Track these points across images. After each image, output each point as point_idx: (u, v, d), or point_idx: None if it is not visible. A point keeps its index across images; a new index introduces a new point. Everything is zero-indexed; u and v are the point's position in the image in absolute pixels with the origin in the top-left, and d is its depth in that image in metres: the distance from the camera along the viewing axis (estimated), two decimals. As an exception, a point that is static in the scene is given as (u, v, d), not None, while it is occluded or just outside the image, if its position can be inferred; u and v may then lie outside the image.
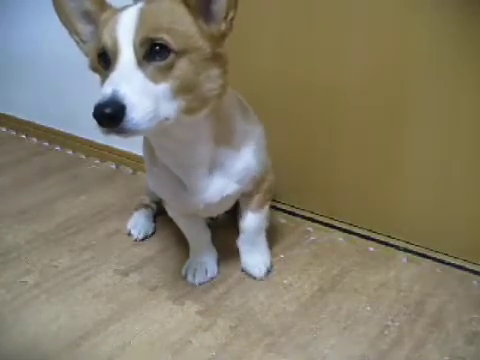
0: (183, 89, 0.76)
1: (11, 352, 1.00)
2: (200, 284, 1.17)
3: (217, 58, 0.81)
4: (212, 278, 1.19)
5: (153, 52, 0.74)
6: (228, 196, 1.02)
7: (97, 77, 0.85)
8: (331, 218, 1.42)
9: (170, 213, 1.17)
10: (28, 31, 1.86)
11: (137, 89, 0.71)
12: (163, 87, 0.74)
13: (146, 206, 1.43)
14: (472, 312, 1.07)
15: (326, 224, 1.41)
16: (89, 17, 0.85)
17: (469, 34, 1.05)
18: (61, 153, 1.92)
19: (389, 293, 1.13)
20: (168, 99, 0.75)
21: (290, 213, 1.46)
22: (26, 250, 1.32)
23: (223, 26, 0.80)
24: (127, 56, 0.73)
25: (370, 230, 1.36)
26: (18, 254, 1.30)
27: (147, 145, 1.02)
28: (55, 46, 1.67)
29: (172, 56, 0.74)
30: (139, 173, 1.75)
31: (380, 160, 1.27)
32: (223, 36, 0.82)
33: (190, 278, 1.18)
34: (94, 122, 0.70)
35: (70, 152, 1.92)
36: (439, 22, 1.07)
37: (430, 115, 1.16)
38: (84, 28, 0.86)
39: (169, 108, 0.75)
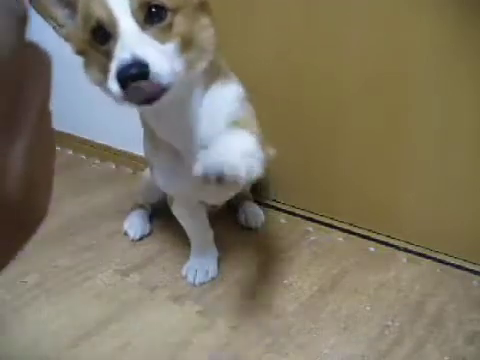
0: (185, 44, 0.77)
1: (11, 352, 1.00)
2: (200, 284, 1.17)
3: (203, 7, 0.82)
4: (213, 278, 1.19)
5: (151, 15, 0.74)
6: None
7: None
8: (331, 218, 1.42)
9: (176, 212, 1.15)
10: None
11: (152, 48, 0.71)
12: (169, 46, 0.75)
13: (141, 206, 1.43)
14: (472, 312, 1.07)
15: (326, 224, 1.41)
16: (64, 0, 0.83)
17: (469, 33, 1.05)
18: (61, 153, 1.92)
19: (389, 293, 1.13)
20: (175, 56, 0.75)
21: (290, 213, 1.46)
22: (26, 250, 1.31)
23: None
24: (128, 23, 0.73)
25: (370, 230, 1.36)
26: (18, 254, 1.30)
27: (147, 134, 1.00)
28: (52, 45, 1.67)
29: (170, 15, 0.75)
30: (139, 173, 1.74)
31: (380, 160, 1.27)
32: None
33: (190, 278, 1.18)
34: (117, 91, 0.70)
35: (70, 152, 1.92)
36: (440, 19, 1.07)
37: (430, 115, 1.16)
38: (60, 12, 0.83)
39: (178, 64, 0.75)
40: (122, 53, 0.70)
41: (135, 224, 1.38)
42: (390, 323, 1.04)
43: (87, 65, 0.82)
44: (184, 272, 1.20)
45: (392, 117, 1.21)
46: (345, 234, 1.37)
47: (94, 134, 1.85)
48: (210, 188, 0.81)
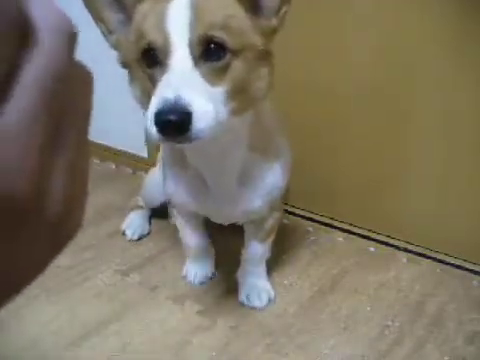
0: (237, 91, 0.70)
1: (11, 352, 1.00)
2: (200, 284, 1.17)
3: (267, 55, 0.74)
4: (212, 278, 1.20)
5: (209, 51, 0.67)
6: (250, 211, 0.97)
7: (123, 72, 0.78)
8: (331, 218, 1.42)
9: (178, 221, 1.13)
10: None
11: (200, 94, 0.64)
12: (220, 90, 0.67)
13: (141, 207, 1.42)
14: (472, 312, 1.07)
15: (326, 224, 1.41)
16: (119, 4, 0.75)
17: (472, 35, 1.05)
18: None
19: (389, 293, 1.13)
20: (222, 102, 0.68)
21: (290, 213, 1.46)
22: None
23: (274, 21, 0.73)
24: (182, 55, 0.66)
25: (370, 230, 1.36)
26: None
27: (173, 151, 0.95)
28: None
29: (229, 56, 0.68)
30: (139, 173, 1.75)
31: (380, 160, 1.27)
32: (274, 32, 0.74)
33: (190, 278, 1.18)
34: (152, 129, 0.63)
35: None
36: (442, 21, 1.07)
37: (431, 115, 1.16)
38: (112, 16, 0.75)
39: (224, 112, 0.68)
40: (166, 91, 0.63)
41: (134, 224, 1.38)
42: (390, 323, 1.04)
43: (131, 81, 0.77)
44: (184, 272, 1.21)
45: (392, 117, 1.21)
46: (345, 234, 1.37)
47: (94, 134, 1.83)
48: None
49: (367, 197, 1.33)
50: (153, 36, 0.67)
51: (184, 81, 0.65)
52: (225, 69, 0.68)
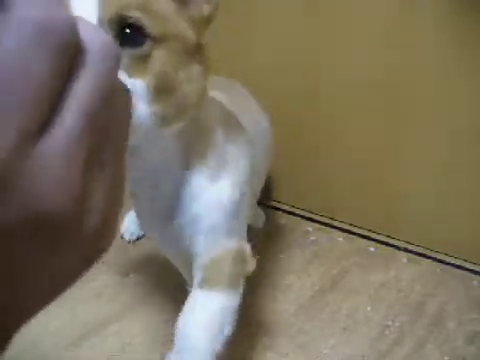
0: (162, 89, 0.57)
1: (11, 352, 1.00)
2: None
3: (198, 51, 0.63)
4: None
5: (124, 36, 0.55)
6: (186, 249, 0.76)
7: None
8: (331, 218, 1.42)
9: None
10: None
11: None
12: (138, 83, 0.55)
13: None
14: (472, 312, 1.07)
15: (326, 224, 1.41)
16: None
17: (472, 37, 1.05)
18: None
19: (389, 293, 1.13)
20: (143, 101, 0.56)
21: (290, 213, 1.46)
22: (26, 250, 1.32)
23: (206, 9, 0.62)
24: None
25: (370, 230, 1.36)
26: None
27: None
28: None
29: (149, 43, 0.56)
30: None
31: (380, 160, 1.27)
32: (206, 22, 0.63)
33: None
34: None
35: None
36: (441, 23, 1.07)
37: (431, 115, 1.16)
38: None
39: (144, 112, 0.56)
40: None
41: (131, 226, 1.36)
42: (390, 323, 1.04)
43: None
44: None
45: (393, 117, 1.21)
46: (345, 234, 1.37)
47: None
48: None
49: (367, 197, 1.33)
50: None
51: None
52: (145, 59, 0.56)
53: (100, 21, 0.53)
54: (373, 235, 1.35)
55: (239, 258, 0.78)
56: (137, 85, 0.55)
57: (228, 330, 0.72)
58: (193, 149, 0.70)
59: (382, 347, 0.98)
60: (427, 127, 1.17)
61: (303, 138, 1.37)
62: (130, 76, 0.54)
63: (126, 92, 0.28)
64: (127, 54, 0.54)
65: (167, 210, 0.73)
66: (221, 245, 0.76)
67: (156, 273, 1.23)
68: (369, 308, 1.09)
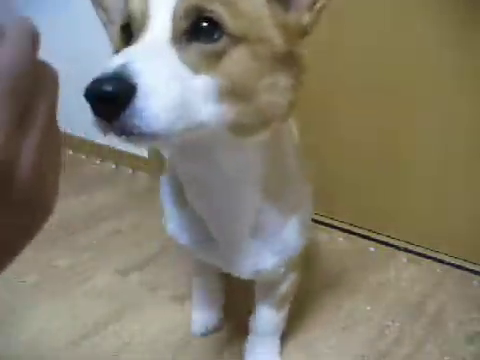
0: (234, 92, 0.51)
1: (11, 352, 1.00)
2: (202, 335, 1.03)
3: (291, 61, 0.56)
4: (216, 329, 1.05)
5: (199, 29, 0.50)
6: (262, 271, 0.77)
7: None
8: (331, 218, 1.42)
9: (193, 267, 1.01)
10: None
11: (163, 70, 0.46)
12: (204, 81, 0.49)
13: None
14: (472, 312, 1.07)
15: (326, 224, 1.41)
16: None
17: (472, 40, 1.05)
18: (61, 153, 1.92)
19: (389, 293, 1.13)
20: (209, 100, 0.50)
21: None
22: (26, 250, 1.31)
23: (306, 17, 0.56)
24: (160, 28, 0.50)
25: (370, 230, 1.36)
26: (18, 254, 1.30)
27: (172, 181, 0.77)
28: (54, 44, 1.68)
29: (226, 40, 0.50)
30: (139, 173, 1.75)
31: (380, 160, 1.27)
32: (303, 31, 0.57)
33: (193, 328, 1.05)
34: (90, 114, 0.46)
35: (70, 152, 1.92)
36: (442, 26, 1.07)
37: (430, 116, 1.16)
38: (115, 3, 0.62)
39: (208, 111, 0.50)
40: (115, 59, 0.45)
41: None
42: (390, 323, 1.04)
43: None
44: (192, 320, 1.07)
45: (392, 118, 1.21)
46: (345, 234, 1.37)
47: (94, 134, 1.84)
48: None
49: (367, 197, 1.33)
50: (132, 6, 0.53)
51: (145, 52, 0.48)
52: (219, 57, 0.50)
53: (175, 10, 0.50)
54: (373, 235, 1.35)
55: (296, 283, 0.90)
56: (204, 82, 0.49)
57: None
58: (272, 175, 0.67)
59: (382, 347, 0.98)
60: (427, 128, 1.17)
61: (303, 138, 1.37)
62: (196, 71, 0.49)
63: (51, 69, 0.33)
64: (197, 48, 0.50)
65: (245, 231, 0.72)
66: (290, 279, 0.87)
67: (156, 273, 1.23)
68: (369, 308, 1.09)
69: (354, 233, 1.37)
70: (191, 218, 0.75)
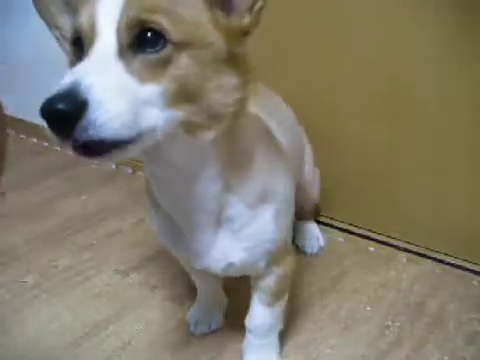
0: (182, 96, 0.55)
1: (11, 352, 1.00)
2: (201, 334, 1.03)
3: (235, 62, 0.60)
4: (215, 330, 1.05)
5: (143, 40, 0.53)
6: (233, 265, 0.78)
7: None
8: (331, 218, 1.42)
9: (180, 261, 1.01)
10: (29, 31, 1.86)
11: (111, 84, 0.50)
12: (151, 89, 0.53)
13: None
14: (472, 312, 1.07)
15: (326, 224, 1.41)
16: (73, 7, 0.64)
17: (471, 52, 1.05)
18: (61, 153, 1.92)
19: (389, 293, 1.13)
20: (157, 106, 0.54)
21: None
22: (26, 250, 1.32)
23: (246, 19, 0.59)
24: (106, 42, 0.53)
25: (370, 230, 1.36)
26: (18, 254, 1.30)
27: (148, 184, 0.80)
28: (55, 46, 1.68)
29: (169, 48, 0.53)
30: (139, 173, 1.75)
31: (380, 160, 1.27)
32: (245, 32, 0.60)
33: (192, 327, 1.04)
34: (49, 134, 0.50)
35: (70, 152, 1.92)
36: (442, 38, 1.07)
37: (429, 116, 1.16)
38: (66, 21, 0.66)
39: (157, 117, 0.54)
40: (66, 77, 0.49)
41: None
42: (390, 323, 1.04)
43: None
44: (188, 317, 1.06)
45: (392, 117, 1.21)
46: (345, 234, 1.37)
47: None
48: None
49: (367, 197, 1.33)
50: (80, 20, 0.56)
51: (93, 68, 0.51)
52: (165, 64, 0.54)
53: (119, 24, 0.53)
54: (373, 235, 1.35)
55: (288, 274, 0.89)
56: (149, 90, 0.53)
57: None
58: (233, 170, 0.70)
59: (382, 347, 0.98)
60: (427, 128, 1.17)
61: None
62: (143, 81, 0.53)
63: None
64: (143, 59, 0.53)
65: (208, 224, 0.73)
66: (275, 274, 0.85)
67: (156, 273, 1.23)
68: (369, 308, 1.09)
69: (354, 233, 1.37)
70: (163, 216, 0.78)
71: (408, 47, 1.13)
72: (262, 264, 0.81)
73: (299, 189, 1.04)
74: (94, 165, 1.82)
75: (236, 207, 0.73)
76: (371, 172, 1.30)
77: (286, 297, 0.92)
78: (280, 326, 0.95)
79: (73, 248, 1.33)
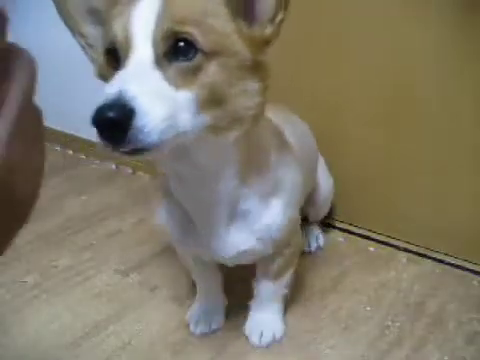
0: (210, 101, 0.60)
1: (11, 352, 1.00)
2: (202, 334, 1.03)
3: (257, 69, 0.65)
4: (215, 330, 1.05)
5: (177, 50, 0.58)
6: (245, 253, 0.84)
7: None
8: (332, 218, 1.42)
9: (181, 259, 1.05)
10: (29, 31, 1.86)
11: (152, 92, 0.55)
12: (184, 95, 0.58)
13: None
14: (472, 312, 1.07)
15: (326, 224, 1.41)
16: (97, 16, 0.69)
17: (473, 53, 1.05)
18: (61, 153, 1.92)
19: (389, 293, 1.13)
20: (189, 111, 0.59)
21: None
22: (26, 250, 1.32)
23: (268, 30, 0.65)
24: (143, 52, 0.58)
25: (370, 230, 1.36)
26: (18, 254, 1.30)
27: (163, 178, 0.86)
28: (56, 45, 1.68)
29: (200, 57, 0.59)
30: (139, 173, 1.75)
31: (380, 160, 1.27)
32: (267, 42, 0.66)
33: (192, 327, 1.04)
34: (96, 135, 0.56)
35: (70, 152, 1.92)
36: (444, 40, 1.07)
37: (429, 115, 1.16)
38: (91, 30, 0.70)
39: (189, 121, 0.59)
40: (111, 86, 0.54)
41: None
42: (390, 323, 1.04)
43: None
44: (188, 317, 1.07)
45: (393, 118, 1.21)
46: (345, 234, 1.37)
47: (94, 134, 1.85)
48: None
49: (367, 197, 1.33)
50: (115, 32, 0.60)
51: (135, 77, 0.56)
52: (195, 72, 0.59)
53: (154, 35, 0.58)
54: (373, 235, 1.35)
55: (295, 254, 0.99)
56: (183, 96, 0.58)
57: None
58: (249, 167, 0.76)
59: (382, 347, 0.98)
60: (427, 128, 1.17)
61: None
62: (177, 88, 0.58)
63: (24, 52, 0.34)
64: (177, 67, 0.58)
65: (223, 216, 0.80)
66: (283, 254, 0.93)
67: (156, 273, 1.23)
68: (369, 308, 1.09)
69: (354, 233, 1.37)
70: (176, 206, 0.83)
71: (410, 47, 1.13)
72: (270, 251, 0.88)
73: (311, 204, 1.23)
74: (94, 165, 1.82)
75: (250, 200, 0.80)
76: (372, 172, 1.30)
77: (292, 269, 0.99)
78: (286, 293, 1.03)
79: (73, 248, 1.33)
